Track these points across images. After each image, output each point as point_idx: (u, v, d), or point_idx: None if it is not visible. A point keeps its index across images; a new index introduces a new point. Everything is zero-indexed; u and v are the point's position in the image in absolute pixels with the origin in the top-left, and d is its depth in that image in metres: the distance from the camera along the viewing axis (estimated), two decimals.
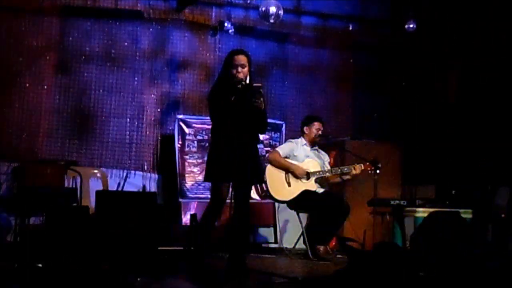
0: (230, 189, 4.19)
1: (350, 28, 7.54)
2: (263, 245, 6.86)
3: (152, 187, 6.85)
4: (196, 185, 6.60)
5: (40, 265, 4.26)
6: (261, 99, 4.12)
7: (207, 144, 6.58)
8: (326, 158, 6.10)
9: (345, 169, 5.80)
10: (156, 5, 6.98)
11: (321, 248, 5.61)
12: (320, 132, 5.95)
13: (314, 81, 7.65)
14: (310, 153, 5.96)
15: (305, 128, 6.00)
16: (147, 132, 6.94)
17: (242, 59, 4.21)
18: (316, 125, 5.96)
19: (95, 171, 6.67)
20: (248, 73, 4.24)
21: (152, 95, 6.99)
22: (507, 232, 6.03)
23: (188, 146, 6.68)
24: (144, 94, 6.96)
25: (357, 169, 5.74)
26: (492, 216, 6.15)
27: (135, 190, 6.66)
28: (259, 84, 4.17)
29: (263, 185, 6.08)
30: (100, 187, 6.57)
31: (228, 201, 4.22)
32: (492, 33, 6.85)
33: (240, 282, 4.00)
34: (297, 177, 5.77)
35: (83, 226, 4.91)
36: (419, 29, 6.91)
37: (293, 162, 5.83)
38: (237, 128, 4.12)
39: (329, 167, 5.98)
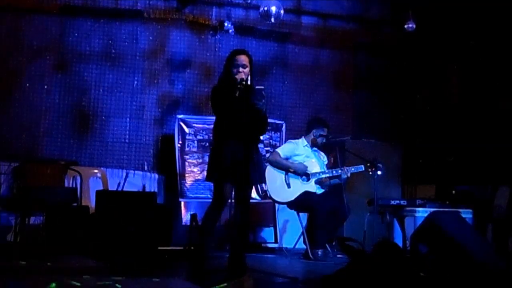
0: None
1: (350, 28, 7.53)
2: (263, 245, 6.86)
3: (152, 187, 6.85)
4: (196, 185, 6.59)
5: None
6: (263, 101, 4.15)
7: (207, 144, 6.58)
8: (325, 159, 6.09)
9: (345, 169, 5.80)
10: (156, 4, 6.99)
11: (320, 251, 5.60)
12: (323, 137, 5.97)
13: (314, 81, 7.65)
14: (311, 154, 5.95)
15: (314, 131, 5.98)
16: (147, 132, 6.94)
17: (243, 59, 4.22)
18: (325, 131, 5.96)
19: (95, 170, 6.67)
20: (250, 73, 4.25)
21: (152, 95, 6.99)
22: (507, 232, 6.03)
23: (188, 146, 6.68)
24: (144, 94, 6.96)
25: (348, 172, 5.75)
26: (492, 216, 6.15)
27: (135, 190, 6.66)
28: (262, 87, 4.19)
29: (263, 185, 6.07)
30: (100, 187, 6.56)
31: (228, 201, 4.23)
32: (492, 33, 6.85)
33: (240, 281, 4.00)
34: (298, 175, 5.77)
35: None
36: (419, 29, 6.91)
37: (293, 162, 5.83)
38: (238, 128, 4.12)
39: (326, 169, 5.98)
